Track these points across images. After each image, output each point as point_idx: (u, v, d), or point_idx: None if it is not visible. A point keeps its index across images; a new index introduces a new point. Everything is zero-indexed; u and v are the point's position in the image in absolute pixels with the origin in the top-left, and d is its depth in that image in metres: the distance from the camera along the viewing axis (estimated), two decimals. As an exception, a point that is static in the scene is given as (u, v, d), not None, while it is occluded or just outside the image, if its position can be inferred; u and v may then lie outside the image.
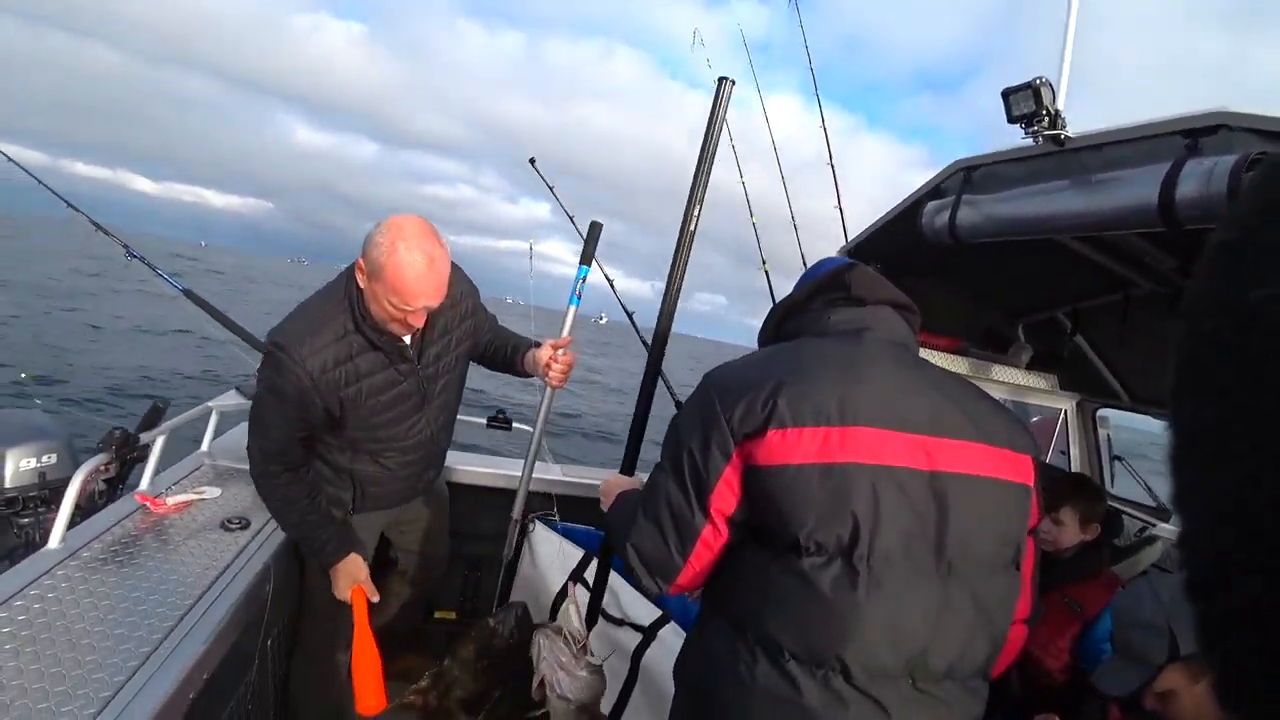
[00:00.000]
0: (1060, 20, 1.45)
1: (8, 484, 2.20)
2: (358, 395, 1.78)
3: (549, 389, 2.13)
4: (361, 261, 1.67)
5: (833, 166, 2.60)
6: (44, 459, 2.28)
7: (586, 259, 2.18)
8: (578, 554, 2.32)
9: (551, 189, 2.62)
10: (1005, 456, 1.03)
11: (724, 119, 1.56)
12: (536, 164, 2.78)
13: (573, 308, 2.14)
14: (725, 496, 1.00)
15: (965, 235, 1.64)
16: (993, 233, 1.57)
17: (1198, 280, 0.35)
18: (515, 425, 3.08)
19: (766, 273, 2.75)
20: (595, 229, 2.22)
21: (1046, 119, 1.35)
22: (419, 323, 1.74)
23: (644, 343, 2.77)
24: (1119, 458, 2.97)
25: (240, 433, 2.72)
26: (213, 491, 2.22)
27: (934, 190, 1.76)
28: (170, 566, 1.77)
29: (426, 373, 1.91)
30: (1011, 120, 1.39)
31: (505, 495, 2.54)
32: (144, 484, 2.12)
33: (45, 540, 1.77)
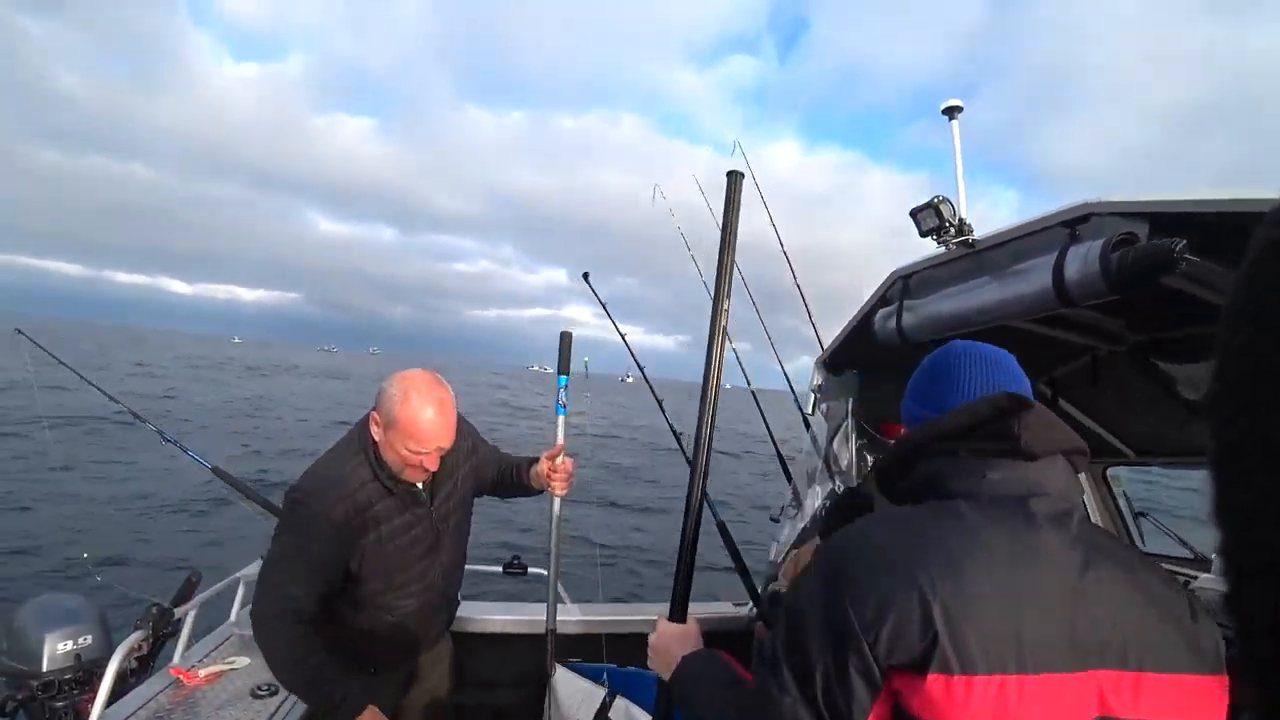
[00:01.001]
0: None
1: (45, 668, 2.26)
2: (378, 541, 1.86)
3: (556, 499, 2.26)
4: (376, 414, 1.83)
5: (800, 288, 2.83)
6: (79, 640, 2.36)
7: (564, 369, 2.30)
8: (600, 694, 2.29)
9: (604, 305, 2.71)
10: (1203, 686, 0.81)
11: (738, 212, 1.41)
12: (589, 278, 2.72)
13: (561, 417, 2.27)
14: None
15: (912, 337, 1.82)
16: (934, 332, 1.74)
17: (1233, 294, 0.35)
18: (531, 570, 3.10)
19: (754, 394, 2.90)
20: (565, 339, 2.34)
21: (952, 229, 1.57)
22: (433, 466, 1.86)
23: (659, 403, 2.78)
24: (1143, 514, 2.82)
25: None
26: (242, 661, 2.27)
27: (881, 299, 1.96)
28: None
29: (439, 512, 2.00)
30: (923, 235, 1.61)
31: (527, 641, 2.54)
32: (177, 658, 2.19)
33: (79, 722, 1.83)
